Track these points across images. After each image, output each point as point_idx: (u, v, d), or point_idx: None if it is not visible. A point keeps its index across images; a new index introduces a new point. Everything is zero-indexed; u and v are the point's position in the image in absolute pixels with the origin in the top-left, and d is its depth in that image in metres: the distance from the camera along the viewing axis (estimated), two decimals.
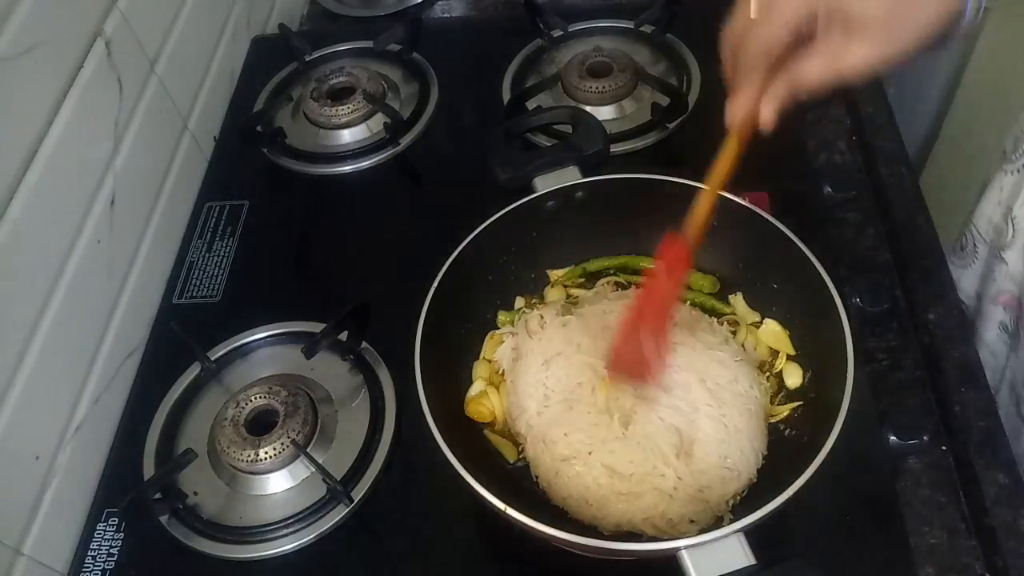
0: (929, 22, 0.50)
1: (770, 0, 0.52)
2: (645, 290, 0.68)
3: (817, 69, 0.52)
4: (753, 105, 0.55)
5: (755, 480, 0.67)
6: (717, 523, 0.64)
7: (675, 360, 0.68)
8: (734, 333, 0.75)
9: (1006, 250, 0.89)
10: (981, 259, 0.95)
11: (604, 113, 1.00)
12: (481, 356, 0.77)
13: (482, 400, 0.73)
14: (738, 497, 0.66)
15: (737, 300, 0.78)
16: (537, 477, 0.69)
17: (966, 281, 0.97)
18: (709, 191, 0.63)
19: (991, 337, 0.93)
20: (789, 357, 0.74)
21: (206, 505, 0.76)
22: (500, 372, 0.75)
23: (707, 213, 0.63)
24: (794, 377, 0.72)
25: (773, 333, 0.74)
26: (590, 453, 0.66)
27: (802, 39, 0.52)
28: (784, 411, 0.71)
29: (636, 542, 0.62)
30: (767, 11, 0.52)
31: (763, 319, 0.76)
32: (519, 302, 0.81)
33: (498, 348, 0.77)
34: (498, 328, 0.79)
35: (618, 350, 0.67)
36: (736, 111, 0.57)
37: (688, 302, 0.77)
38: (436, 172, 1.04)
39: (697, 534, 0.56)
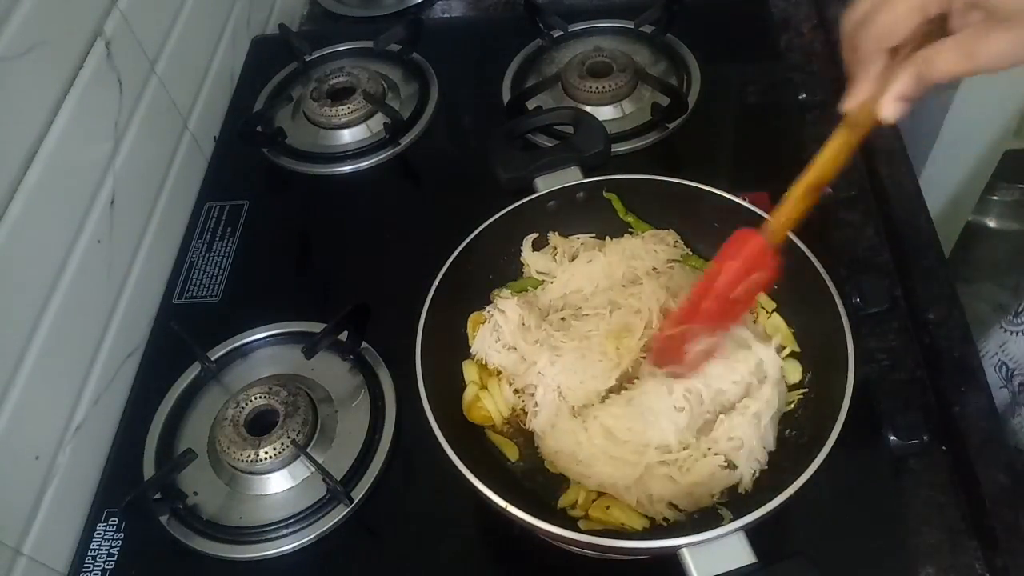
0: None
1: None
2: (706, 283, 0.64)
3: (951, 60, 0.47)
4: (873, 95, 0.51)
5: (750, 484, 0.66)
6: (715, 520, 0.64)
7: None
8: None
9: None
10: None
11: (604, 113, 1.00)
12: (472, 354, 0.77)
13: (478, 404, 0.73)
14: (724, 494, 0.66)
15: None
16: (533, 431, 0.70)
17: (1015, 346, 0.94)
18: (808, 186, 0.58)
19: None
20: (791, 353, 0.73)
21: (206, 505, 0.76)
22: (483, 363, 0.75)
23: (803, 210, 0.59)
24: (793, 374, 0.72)
25: (776, 328, 0.74)
26: (595, 415, 0.66)
27: (931, 27, 0.48)
28: (789, 405, 0.70)
29: (637, 540, 0.62)
30: None
31: (769, 313, 0.76)
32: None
33: (476, 339, 0.76)
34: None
35: (663, 338, 0.66)
36: (854, 100, 0.52)
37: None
38: (436, 172, 1.04)
39: (695, 532, 0.56)
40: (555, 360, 0.70)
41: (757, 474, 0.65)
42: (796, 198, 0.59)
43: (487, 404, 0.72)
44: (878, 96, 0.51)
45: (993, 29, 0.45)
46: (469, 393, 0.74)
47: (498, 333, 0.74)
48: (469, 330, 0.77)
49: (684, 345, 0.65)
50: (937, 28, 0.48)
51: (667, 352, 0.67)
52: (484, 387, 0.74)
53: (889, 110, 0.50)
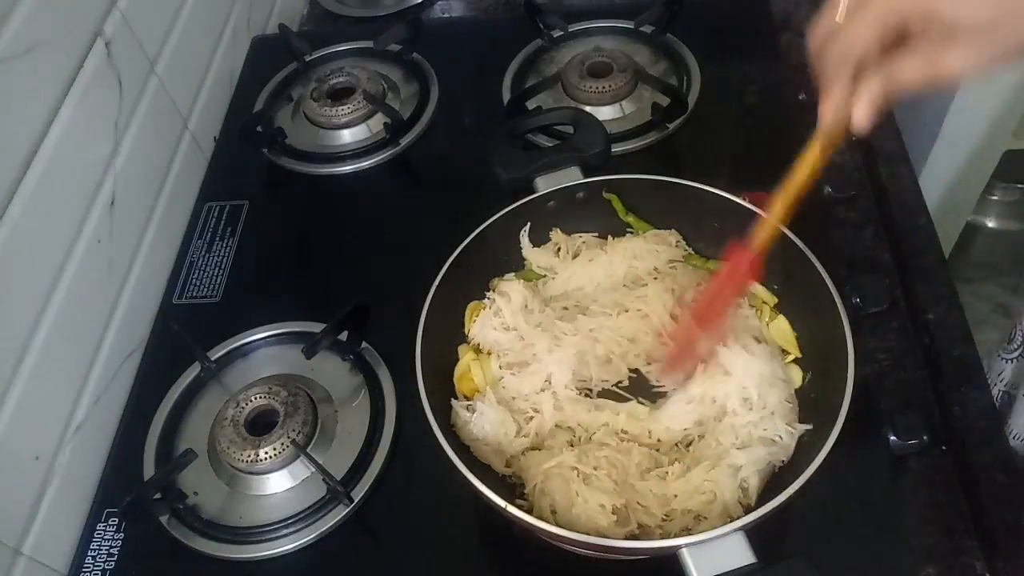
0: None
1: (858, 4, 0.51)
2: (705, 294, 0.69)
3: (913, 71, 0.50)
4: (844, 106, 0.54)
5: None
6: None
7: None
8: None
9: None
10: None
11: (604, 113, 1.00)
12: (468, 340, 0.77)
13: (468, 376, 0.73)
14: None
15: (755, 287, 0.76)
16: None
17: (1011, 372, 0.99)
18: (785, 195, 0.61)
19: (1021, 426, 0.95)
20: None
21: (206, 505, 0.76)
22: (479, 348, 0.75)
23: (781, 219, 0.63)
24: (795, 378, 0.72)
25: (781, 332, 0.74)
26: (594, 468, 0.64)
27: (893, 41, 0.51)
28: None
29: (636, 540, 0.62)
30: (853, 14, 0.52)
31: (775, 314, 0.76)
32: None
33: (474, 325, 0.76)
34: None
35: (673, 350, 0.69)
36: (827, 112, 0.55)
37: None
38: (436, 172, 1.04)
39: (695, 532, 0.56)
40: (553, 348, 0.70)
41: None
42: (781, 207, 0.62)
43: (475, 374, 0.72)
44: (849, 104, 0.54)
45: (952, 44, 0.48)
46: (462, 365, 0.74)
47: (500, 318, 0.74)
48: (467, 318, 0.77)
49: (693, 347, 0.68)
50: (898, 46, 0.51)
51: (681, 357, 0.70)
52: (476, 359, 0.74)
53: (861, 114, 0.53)
